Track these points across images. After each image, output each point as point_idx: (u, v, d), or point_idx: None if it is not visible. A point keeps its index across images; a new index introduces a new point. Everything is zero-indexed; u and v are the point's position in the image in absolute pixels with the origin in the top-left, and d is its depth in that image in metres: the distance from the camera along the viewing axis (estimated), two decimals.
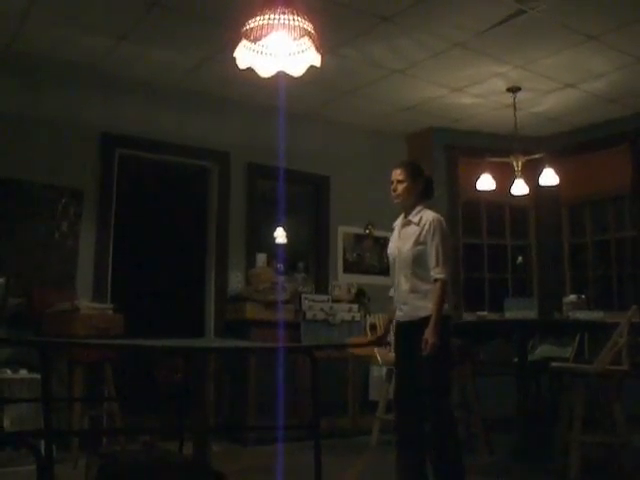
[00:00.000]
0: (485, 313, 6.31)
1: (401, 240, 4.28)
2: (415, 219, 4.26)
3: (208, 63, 6.14)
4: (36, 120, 5.96)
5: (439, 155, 7.91)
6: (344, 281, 7.27)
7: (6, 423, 4.02)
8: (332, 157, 7.59)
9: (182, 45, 5.82)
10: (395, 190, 4.33)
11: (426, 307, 4.07)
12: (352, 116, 7.51)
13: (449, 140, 7.95)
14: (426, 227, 4.19)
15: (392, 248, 4.36)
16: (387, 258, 4.48)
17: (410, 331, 4.13)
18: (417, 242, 4.18)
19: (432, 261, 4.12)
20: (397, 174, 4.33)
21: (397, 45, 5.76)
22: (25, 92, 5.96)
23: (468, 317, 7.08)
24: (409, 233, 4.24)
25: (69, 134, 6.12)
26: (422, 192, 4.36)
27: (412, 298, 4.17)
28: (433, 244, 4.14)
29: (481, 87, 6.68)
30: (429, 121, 7.67)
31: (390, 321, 4.61)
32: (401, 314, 4.25)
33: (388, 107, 7.26)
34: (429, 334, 3.96)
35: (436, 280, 4.08)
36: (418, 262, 4.17)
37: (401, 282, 4.23)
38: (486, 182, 6.95)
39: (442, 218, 4.28)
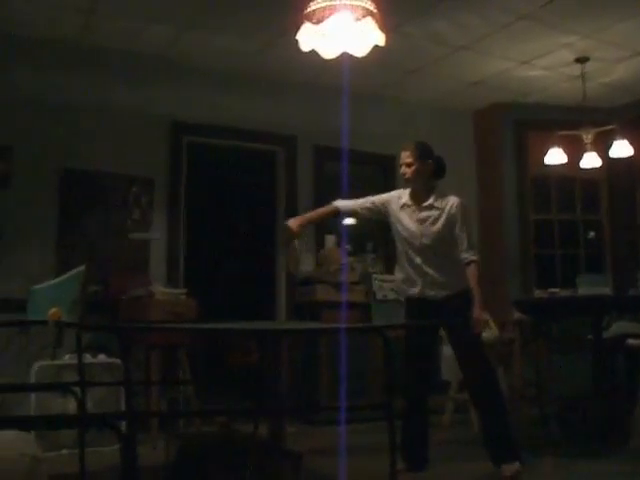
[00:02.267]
0: (557, 290, 6.20)
1: (421, 223, 4.28)
2: (438, 203, 4.27)
3: (271, 47, 6.16)
4: (107, 111, 6.09)
5: (507, 130, 7.80)
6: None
7: (89, 405, 4.15)
8: (399, 137, 7.50)
9: (245, 31, 5.86)
10: (404, 174, 4.32)
11: (454, 285, 4.23)
12: (418, 95, 7.45)
13: (517, 115, 7.82)
14: (453, 211, 4.24)
15: (409, 230, 4.31)
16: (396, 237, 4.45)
17: (444, 305, 4.23)
18: (446, 225, 4.22)
19: (463, 244, 4.21)
20: (405, 156, 4.31)
21: (461, 20, 5.68)
22: (95, 84, 6.09)
23: (540, 294, 6.98)
24: (432, 216, 4.26)
25: (139, 124, 6.24)
26: (432, 173, 4.34)
27: (443, 276, 4.25)
28: (464, 227, 4.22)
29: (548, 59, 6.54)
30: (496, 96, 7.56)
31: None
32: (433, 291, 4.27)
33: (454, 84, 7.17)
34: (479, 313, 4.11)
35: (471, 262, 4.18)
36: (448, 245, 4.23)
37: (424, 263, 4.27)
38: (555, 156, 6.82)
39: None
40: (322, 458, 4.60)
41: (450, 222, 4.22)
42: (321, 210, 4.61)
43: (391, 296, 6.55)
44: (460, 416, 5.84)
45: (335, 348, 6.06)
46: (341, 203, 4.48)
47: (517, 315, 5.73)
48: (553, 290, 6.09)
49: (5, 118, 5.72)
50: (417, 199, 4.32)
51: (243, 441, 3.85)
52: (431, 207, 4.28)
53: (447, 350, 6.57)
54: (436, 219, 4.25)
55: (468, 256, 4.18)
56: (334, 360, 6.07)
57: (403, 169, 4.31)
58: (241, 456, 3.65)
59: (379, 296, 6.53)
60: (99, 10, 5.42)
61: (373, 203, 4.48)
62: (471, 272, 4.17)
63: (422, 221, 4.27)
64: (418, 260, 4.28)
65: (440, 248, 4.23)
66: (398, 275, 4.50)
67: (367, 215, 4.53)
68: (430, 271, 4.26)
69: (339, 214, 4.55)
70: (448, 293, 4.23)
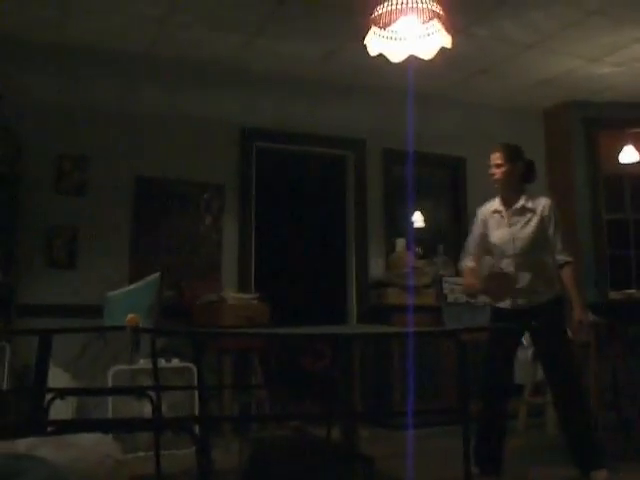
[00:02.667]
0: (633, 291, 6.06)
1: (512, 227, 4.22)
2: (530, 205, 4.21)
3: (338, 52, 6.18)
4: (178, 119, 6.21)
5: (578, 129, 7.65)
6: (486, 263, 7.15)
7: (164, 409, 4.22)
8: (467, 138, 7.48)
9: (312, 36, 5.89)
10: (494, 174, 4.27)
11: (549, 291, 4.14)
12: (486, 95, 7.38)
13: (588, 113, 7.67)
14: (546, 212, 4.18)
15: (500, 235, 4.26)
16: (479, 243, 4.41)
17: (547, 311, 4.12)
18: (539, 228, 4.15)
19: (558, 246, 4.15)
20: (495, 158, 4.28)
21: (528, 19, 5.61)
22: (167, 93, 6.22)
23: (615, 295, 6.83)
24: (525, 219, 4.20)
25: (209, 131, 6.34)
26: (522, 176, 4.28)
27: (540, 281, 4.16)
28: (557, 230, 4.16)
29: (620, 55, 6.39)
30: (566, 95, 7.43)
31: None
32: (518, 300, 4.19)
33: (522, 83, 7.08)
34: (582, 315, 4.04)
35: (567, 263, 4.12)
36: (541, 248, 4.16)
37: (517, 267, 4.19)
38: (629, 154, 6.69)
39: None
40: (395, 462, 4.59)
41: (543, 224, 4.16)
42: (469, 287, 4.58)
43: (462, 299, 6.49)
44: (534, 420, 5.75)
45: (407, 351, 6.04)
46: (468, 262, 4.46)
47: (592, 317, 5.62)
48: (629, 291, 5.97)
49: (82, 129, 5.89)
50: (507, 203, 4.28)
51: (316, 445, 3.87)
52: (523, 209, 4.22)
53: (521, 354, 6.50)
54: (528, 221, 4.19)
55: (563, 257, 4.14)
56: (406, 363, 6.04)
57: (492, 170, 4.28)
58: (314, 460, 3.67)
59: (450, 299, 6.48)
60: (169, 20, 5.53)
61: (478, 233, 4.43)
62: (568, 274, 4.13)
63: (514, 225, 4.22)
64: (511, 267, 4.21)
65: (534, 252, 4.17)
66: None
67: (479, 239, 4.45)
68: (524, 277, 4.18)
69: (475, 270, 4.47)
70: (541, 300, 4.15)
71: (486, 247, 4.41)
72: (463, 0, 5.09)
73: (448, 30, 3.60)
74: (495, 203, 4.34)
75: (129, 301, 3.81)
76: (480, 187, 7.38)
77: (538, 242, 4.16)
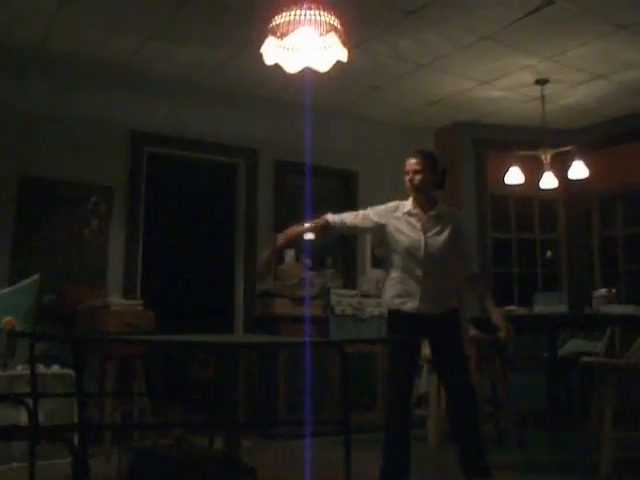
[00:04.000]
0: (514, 308, 6.26)
1: (427, 232, 4.18)
2: (444, 213, 4.24)
3: (235, 60, 6.16)
4: (66, 119, 6.03)
5: (467, 149, 7.88)
6: (372, 276, 7.26)
7: (41, 417, 4.07)
8: (360, 152, 7.59)
9: (209, 42, 5.85)
10: (412, 181, 4.20)
11: (453, 299, 4.23)
12: (379, 111, 7.50)
13: (477, 134, 7.91)
14: (458, 223, 4.24)
15: (412, 239, 4.18)
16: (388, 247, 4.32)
17: (439, 322, 4.17)
18: (452, 238, 4.18)
19: (467, 256, 4.25)
20: (413, 164, 4.20)
21: (423, 39, 5.74)
22: (55, 91, 6.04)
23: None
24: (439, 227, 4.20)
25: (99, 133, 6.19)
26: (438, 183, 4.29)
27: (442, 291, 4.20)
28: (467, 242, 4.27)
29: (509, 80, 6.63)
30: (457, 115, 7.64)
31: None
32: (423, 306, 4.16)
33: (415, 102, 7.23)
34: (501, 318, 4.20)
35: (476, 275, 4.25)
36: (450, 258, 4.21)
37: (428, 274, 4.15)
38: (514, 176, 6.91)
39: None
40: (277, 473, 4.58)
41: (456, 235, 4.20)
42: (312, 222, 4.38)
43: (349, 311, 6.55)
44: (416, 432, 5.84)
45: (293, 362, 6.05)
46: (331, 216, 4.32)
47: (473, 332, 5.76)
48: (510, 308, 6.15)
49: None
50: (423, 208, 4.24)
51: (198, 455, 3.81)
52: (439, 217, 4.21)
53: None
54: (442, 230, 4.19)
55: (473, 269, 4.24)
56: (292, 374, 6.04)
57: (410, 176, 4.20)
58: (195, 470, 3.61)
59: (337, 311, 6.52)
60: (61, 17, 5.36)
61: (365, 215, 4.34)
62: (479, 282, 4.27)
63: (427, 230, 4.19)
64: (419, 272, 4.16)
65: (443, 260, 4.18)
66: (389, 291, 4.29)
67: (358, 226, 4.39)
68: (430, 284, 4.16)
69: (328, 227, 4.33)
70: (443, 310, 4.19)
71: (355, 225, 4.38)
72: (361, 16, 5.15)
73: (344, 44, 3.64)
74: (408, 205, 4.27)
75: (6, 304, 3.67)
76: (371, 200, 7.49)
77: (448, 251, 4.18)
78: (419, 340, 4.35)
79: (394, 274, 4.27)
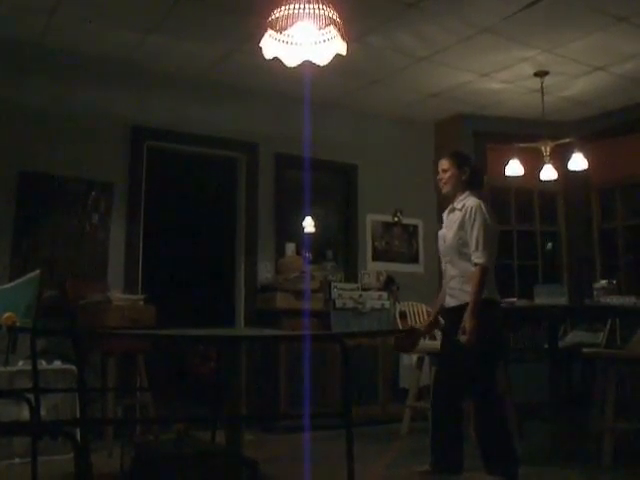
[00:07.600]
0: (515, 300, 6.26)
1: (446, 227, 4.37)
2: (459, 205, 4.31)
3: (235, 54, 6.15)
4: (67, 114, 6.02)
5: (467, 142, 7.85)
6: (373, 269, 7.28)
7: (43, 413, 4.08)
8: (360, 145, 7.58)
9: (209, 36, 5.83)
10: (440, 180, 4.43)
11: (465, 295, 4.15)
12: (379, 104, 7.48)
13: (477, 126, 7.89)
14: (467, 214, 4.23)
15: (440, 236, 4.44)
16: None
17: (456, 316, 4.16)
18: (460, 228, 4.23)
19: (472, 246, 4.16)
20: (440, 164, 4.46)
21: (423, 32, 5.73)
22: (54, 86, 6.02)
23: None
24: (453, 220, 4.31)
25: (99, 128, 6.18)
26: (468, 181, 4.38)
27: (457, 283, 4.23)
28: (474, 229, 4.19)
29: (509, 72, 6.62)
30: (457, 108, 7.63)
31: (437, 312, 4.59)
32: (449, 300, 4.31)
33: (415, 94, 7.22)
34: (466, 319, 4.00)
35: (475, 265, 4.11)
36: (462, 248, 4.22)
37: (447, 268, 4.33)
38: (514, 168, 6.90)
39: (483, 203, 4.27)
40: (279, 466, 4.59)
41: (464, 225, 4.22)
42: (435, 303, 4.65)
43: (350, 304, 6.56)
44: (418, 424, 5.86)
45: (294, 355, 6.06)
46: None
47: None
48: (510, 300, 6.15)
49: None
50: (449, 204, 4.43)
51: (200, 449, 3.82)
52: (453, 210, 4.36)
53: (406, 359, 6.62)
54: (454, 222, 4.29)
55: (473, 258, 4.12)
56: (293, 368, 6.06)
57: (440, 175, 4.43)
58: (197, 464, 3.62)
59: (338, 304, 6.53)
60: (61, 11, 5.35)
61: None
62: (473, 275, 4.09)
63: (447, 226, 4.37)
64: (442, 266, 4.41)
65: (454, 252, 4.24)
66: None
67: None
68: (447, 278, 4.32)
69: None
70: (455, 304, 4.21)
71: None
72: (360, 9, 5.14)
73: (344, 37, 3.63)
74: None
75: (7, 299, 3.67)
76: (371, 193, 7.55)
77: (457, 242, 4.22)
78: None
79: None
